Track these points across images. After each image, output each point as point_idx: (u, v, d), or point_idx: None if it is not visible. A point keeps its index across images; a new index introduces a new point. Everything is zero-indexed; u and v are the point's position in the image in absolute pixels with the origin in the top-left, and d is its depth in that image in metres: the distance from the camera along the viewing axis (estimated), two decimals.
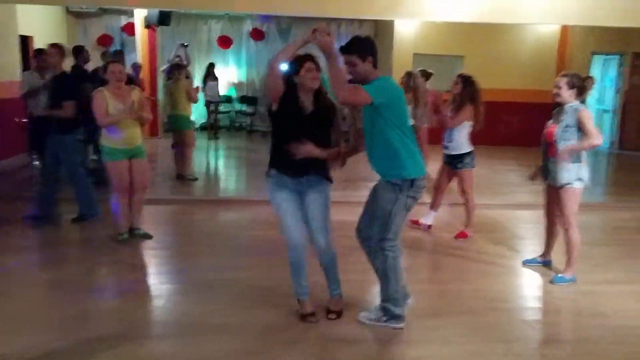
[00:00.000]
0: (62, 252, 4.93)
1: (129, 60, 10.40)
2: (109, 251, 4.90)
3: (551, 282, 4.49)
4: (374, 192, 3.57)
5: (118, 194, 4.96)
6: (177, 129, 7.89)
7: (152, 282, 4.42)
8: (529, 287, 4.60)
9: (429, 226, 5.76)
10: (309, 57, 3.40)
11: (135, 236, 5.11)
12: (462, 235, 5.50)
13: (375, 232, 3.53)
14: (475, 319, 3.82)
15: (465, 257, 5.09)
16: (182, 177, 7.76)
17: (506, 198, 7.37)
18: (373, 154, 3.52)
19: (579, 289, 4.42)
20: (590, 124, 4.24)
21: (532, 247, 5.26)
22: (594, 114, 12.55)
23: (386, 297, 3.60)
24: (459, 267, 4.86)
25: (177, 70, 7.90)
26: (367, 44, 3.44)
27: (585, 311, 4.04)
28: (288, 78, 3.42)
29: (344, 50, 3.38)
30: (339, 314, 3.71)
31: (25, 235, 5.42)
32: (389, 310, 3.59)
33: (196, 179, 7.86)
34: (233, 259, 4.78)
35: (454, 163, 5.41)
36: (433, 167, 8.65)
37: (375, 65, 3.44)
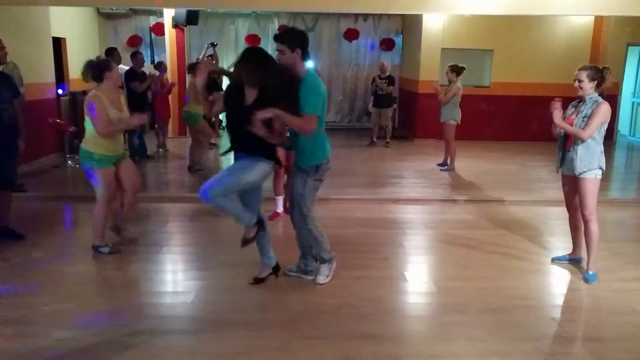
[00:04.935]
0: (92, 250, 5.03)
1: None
2: (136, 248, 4.99)
3: (585, 280, 4.39)
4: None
5: (107, 202, 4.69)
6: (186, 125, 8.79)
7: (179, 279, 4.49)
8: (558, 284, 4.49)
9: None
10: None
11: (124, 236, 5.01)
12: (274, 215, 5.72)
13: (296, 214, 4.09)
14: (502, 317, 3.77)
15: (494, 253, 5.02)
16: (191, 168, 8.10)
17: (536, 194, 7.22)
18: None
19: (610, 286, 4.32)
20: (596, 121, 4.15)
21: (562, 244, 5.15)
22: (628, 106, 12.25)
23: (320, 255, 4.21)
24: (486, 263, 4.80)
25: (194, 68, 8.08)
26: (296, 37, 3.80)
27: (616, 309, 3.95)
28: None
29: (276, 38, 3.77)
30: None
31: (58, 233, 5.58)
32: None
33: (201, 170, 8.08)
34: (256, 256, 4.79)
35: None
36: (459, 162, 8.63)
37: (304, 58, 3.80)
